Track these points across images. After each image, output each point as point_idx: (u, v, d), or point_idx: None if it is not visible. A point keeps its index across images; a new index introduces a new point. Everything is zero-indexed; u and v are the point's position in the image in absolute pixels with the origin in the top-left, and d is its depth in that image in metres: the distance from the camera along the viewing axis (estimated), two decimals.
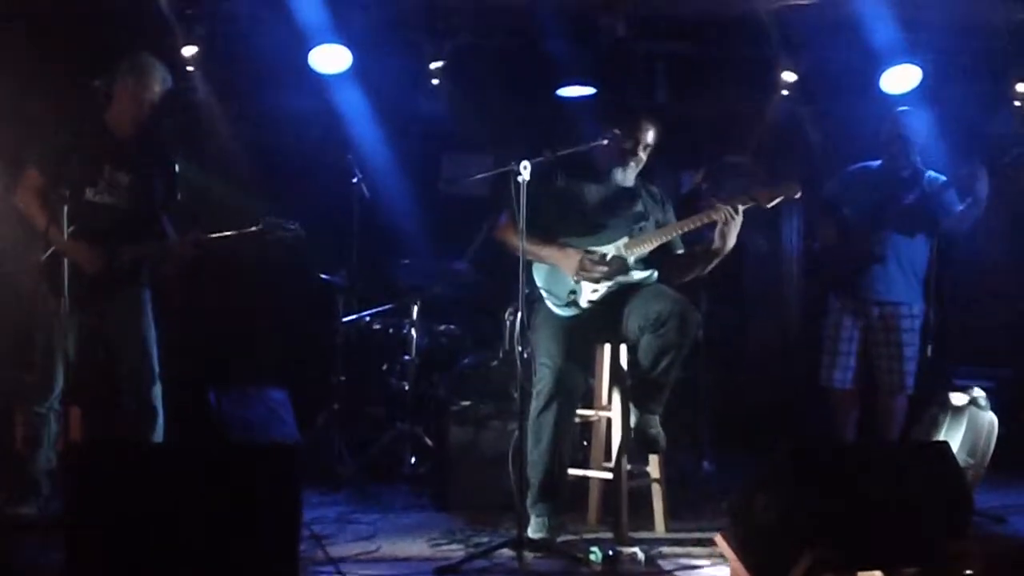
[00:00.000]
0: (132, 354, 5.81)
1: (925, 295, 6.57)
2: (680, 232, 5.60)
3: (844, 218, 6.55)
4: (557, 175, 5.59)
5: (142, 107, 5.70)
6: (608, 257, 5.49)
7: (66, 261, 5.20)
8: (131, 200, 5.73)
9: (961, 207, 6.35)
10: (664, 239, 5.57)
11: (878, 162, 6.64)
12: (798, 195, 5.54)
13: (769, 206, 5.51)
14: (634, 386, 5.55)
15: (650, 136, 5.66)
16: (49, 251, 5.47)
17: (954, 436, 6.00)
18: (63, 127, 5.73)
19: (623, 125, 5.58)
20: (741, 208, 5.41)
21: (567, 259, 5.47)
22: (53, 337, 5.48)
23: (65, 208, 5.17)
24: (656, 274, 5.58)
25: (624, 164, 5.66)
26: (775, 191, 5.50)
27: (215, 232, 5.84)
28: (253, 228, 5.86)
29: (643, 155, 5.68)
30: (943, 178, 6.49)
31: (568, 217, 5.61)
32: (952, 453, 4.79)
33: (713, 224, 5.44)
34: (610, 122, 5.60)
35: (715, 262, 5.59)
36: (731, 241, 5.45)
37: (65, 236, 5.26)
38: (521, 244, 5.15)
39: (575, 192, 5.67)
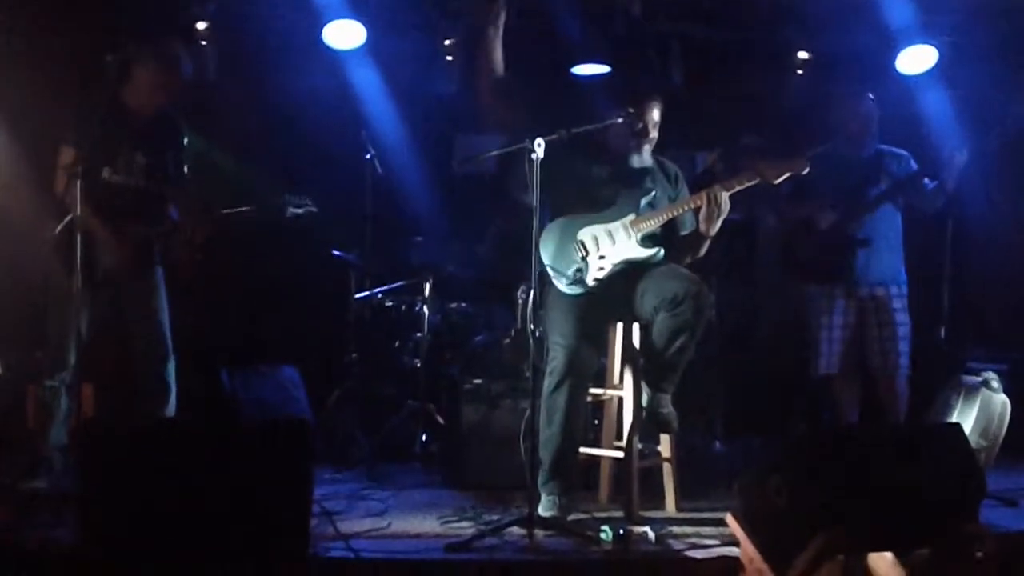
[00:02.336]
0: (146, 331, 5.82)
1: (906, 267, 6.59)
2: (678, 212, 5.58)
3: (820, 205, 6.53)
4: (566, 153, 5.58)
5: (165, 95, 5.69)
6: (614, 234, 5.50)
7: (79, 236, 5.19)
8: (147, 180, 5.73)
9: (930, 187, 6.44)
10: (667, 216, 5.57)
11: (826, 145, 6.64)
12: (806, 171, 5.51)
13: (776, 182, 5.49)
14: (647, 365, 5.55)
15: (656, 113, 5.66)
16: (62, 224, 5.46)
17: (967, 418, 5.99)
18: (87, 105, 5.69)
19: (630, 108, 5.58)
20: (726, 194, 5.41)
21: None
22: (67, 312, 5.47)
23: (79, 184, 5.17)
24: (663, 252, 5.58)
25: (639, 148, 5.66)
26: (782, 166, 5.47)
27: (228, 209, 5.84)
28: (267, 205, 5.86)
29: (655, 133, 5.68)
30: (903, 153, 6.57)
31: (576, 194, 5.61)
32: (964, 435, 4.78)
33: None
34: (618, 104, 5.60)
35: (703, 246, 5.61)
36: (714, 227, 5.47)
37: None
38: (535, 223, 5.15)
39: (583, 170, 5.67)
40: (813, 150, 6.56)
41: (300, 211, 5.93)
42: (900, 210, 6.57)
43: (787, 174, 5.47)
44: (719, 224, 5.47)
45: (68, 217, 5.38)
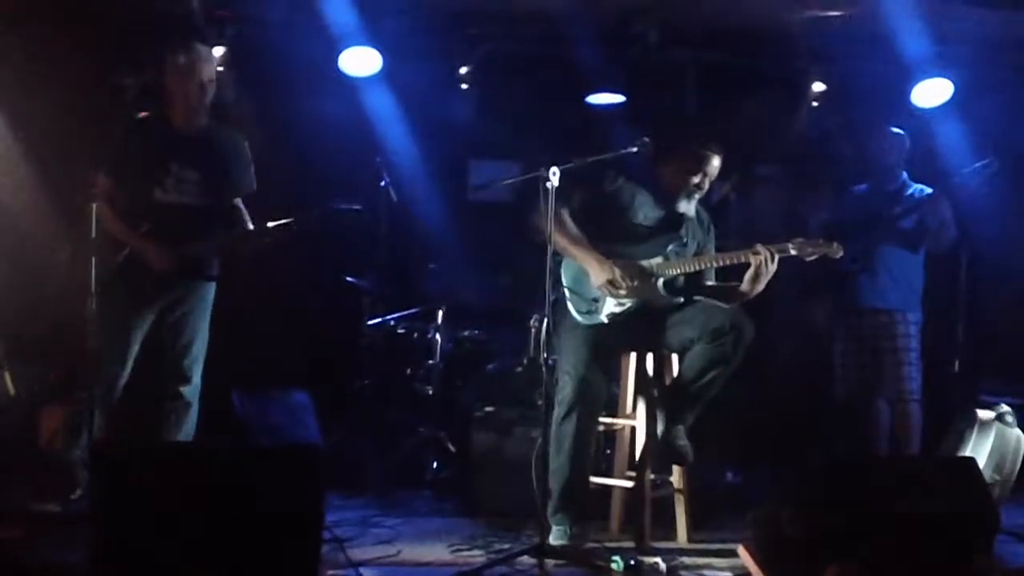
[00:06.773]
0: (189, 343, 5.78)
1: (922, 304, 6.65)
2: (714, 264, 5.58)
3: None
4: (610, 178, 5.59)
5: (197, 92, 5.61)
6: (637, 274, 5.47)
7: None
8: (202, 196, 5.70)
9: (934, 226, 6.52)
10: (697, 267, 5.55)
11: (864, 186, 6.84)
12: (839, 255, 5.47)
13: (808, 260, 5.45)
14: (668, 395, 5.54)
15: (715, 169, 5.63)
16: (124, 252, 5.48)
17: (980, 452, 5.96)
18: (126, 129, 5.67)
19: (692, 158, 5.58)
20: (778, 257, 5.37)
21: (600, 269, 5.42)
22: (117, 334, 5.47)
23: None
24: (682, 301, 5.57)
25: (690, 196, 5.63)
26: (818, 248, 5.40)
27: (276, 220, 5.79)
28: (316, 212, 5.79)
29: (707, 186, 5.67)
30: (929, 190, 6.60)
31: (612, 221, 5.60)
32: (978, 469, 4.76)
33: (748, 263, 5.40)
34: (676, 150, 5.60)
35: (736, 301, 5.55)
36: (760, 287, 5.43)
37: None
38: (548, 252, 5.13)
39: (626, 199, 5.65)
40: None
41: (349, 215, 5.89)
42: (914, 247, 6.59)
43: (818, 255, 5.42)
44: (763, 285, 5.44)
45: (126, 250, 5.47)
